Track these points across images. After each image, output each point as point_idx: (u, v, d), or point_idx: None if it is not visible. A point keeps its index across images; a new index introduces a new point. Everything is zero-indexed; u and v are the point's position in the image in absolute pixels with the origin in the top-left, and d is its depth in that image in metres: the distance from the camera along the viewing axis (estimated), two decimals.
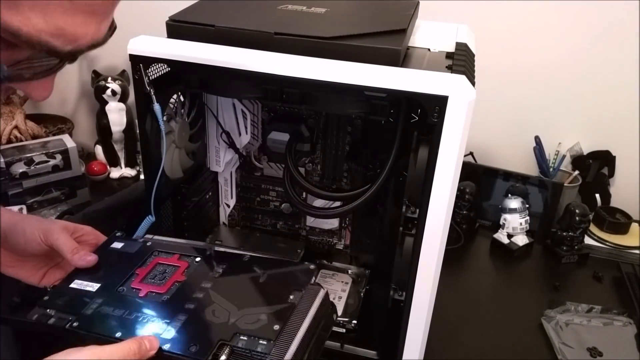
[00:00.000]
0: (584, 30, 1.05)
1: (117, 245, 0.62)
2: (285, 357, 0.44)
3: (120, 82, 1.18)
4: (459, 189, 1.02)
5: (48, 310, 0.52)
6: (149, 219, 0.70)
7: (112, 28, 0.38)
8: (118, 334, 0.48)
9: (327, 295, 0.51)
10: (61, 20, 0.31)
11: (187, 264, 0.57)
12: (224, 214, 0.91)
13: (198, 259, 0.58)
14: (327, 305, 0.51)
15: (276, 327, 0.47)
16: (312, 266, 0.55)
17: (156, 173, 0.68)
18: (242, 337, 0.46)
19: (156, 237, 0.63)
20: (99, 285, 0.55)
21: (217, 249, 0.59)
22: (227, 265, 0.56)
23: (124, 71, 1.22)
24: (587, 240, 1.05)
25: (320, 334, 0.49)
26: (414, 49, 0.64)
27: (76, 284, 0.55)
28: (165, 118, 0.64)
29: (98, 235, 0.64)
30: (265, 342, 0.46)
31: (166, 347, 0.46)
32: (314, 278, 0.53)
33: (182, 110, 0.74)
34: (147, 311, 0.51)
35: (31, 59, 0.33)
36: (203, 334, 0.48)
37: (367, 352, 0.73)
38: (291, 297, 0.51)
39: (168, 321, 0.49)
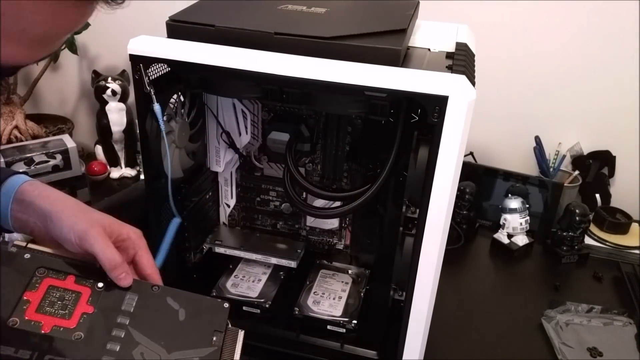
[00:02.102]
0: (584, 30, 1.05)
1: None
2: None
3: (120, 82, 1.18)
4: (459, 189, 1.02)
5: None
6: (176, 221, 0.71)
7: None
8: None
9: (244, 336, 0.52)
10: (44, 10, 0.31)
11: (89, 291, 0.49)
12: (224, 214, 0.91)
13: (100, 285, 0.50)
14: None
15: None
16: (225, 304, 0.53)
17: (156, 173, 0.68)
18: None
19: (17, 242, 0.51)
20: None
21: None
22: (139, 297, 0.50)
23: (124, 71, 1.22)
24: (587, 240, 1.05)
25: None
26: (414, 49, 0.64)
27: None
28: (165, 118, 0.64)
29: (137, 242, 0.55)
30: None
31: None
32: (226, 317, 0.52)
33: (182, 110, 0.74)
34: (62, 353, 0.44)
35: None
36: None
37: (367, 352, 0.73)
38: (214, 339, 0.50)
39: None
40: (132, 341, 0.47)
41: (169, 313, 0.50)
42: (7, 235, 0.57)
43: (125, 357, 0.45)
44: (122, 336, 0.47)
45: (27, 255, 0.49)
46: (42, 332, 0.45)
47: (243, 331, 0.52)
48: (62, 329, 0.46)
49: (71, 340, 0.45)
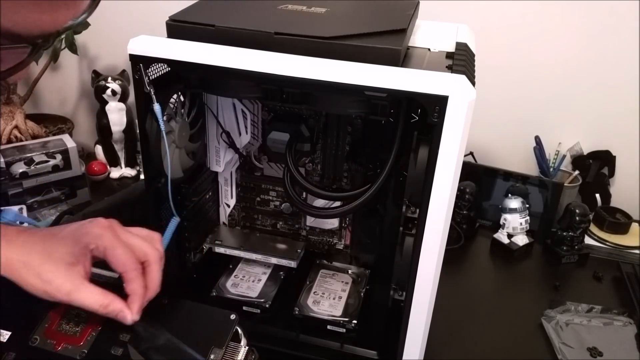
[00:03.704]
0: (584, 30, 1.05)
1: None
2: None
3: (120, 82, 1.18)
4: (459, 189, 1.02)
5: None
6: (175, 220, 0.71)
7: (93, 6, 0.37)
8: None
9: (250, 352, 0.51)
10: (23, 9, 0.31)
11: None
12: (224, 214, 0.91)
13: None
14: None
15: None
16: (232, 315, 0.52)
17: (156, 173, 0.68)
18: None
19: None
20: (9, 334, 0.46)
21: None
22: (143, 312, 0.50)
23: (124, 71, 1.22)
24: (587, 240, 1.05)
25: None
26: (414, 49, 0.64)
27: None
28: (165, 118, 0.64)
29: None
30: None
31: None
32: (236, 328, 0.50)
33: (182, 110, 0.74)
34: None
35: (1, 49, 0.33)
36: None
37: (367, 352, 0.73)
38: (212, 356, 0.48)
39: None
40: (131, 357, 0.48)
41: (171, 328, 0.49)
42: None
43: None
44: (120, 355, 0.48)
45: None
46: (54, 350, 0.47)
47: (247, 348, 0.50)
48: (70, 347, 0.48)
49: (75, 359, 0.47)
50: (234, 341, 0.51)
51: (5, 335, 0.47)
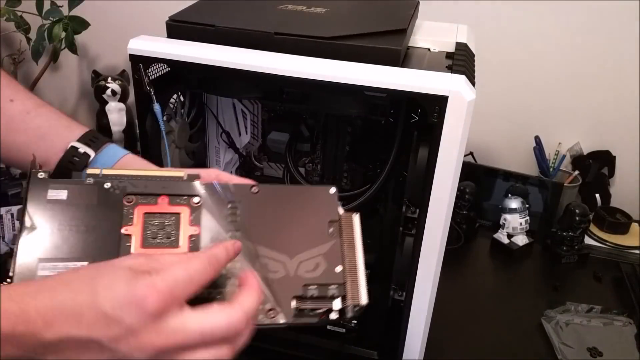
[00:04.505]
0: (584, 30, 1.05)
1: (57, 194, 0.41)
2: (361, 296, 0.45)
3: (120, 82, 1.18)
4: (459, 189, 1.01)
5: None
6: None
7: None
8: None
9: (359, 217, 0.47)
10: None
11: (188, 209, 0.43)
12: None
13: (196, 200, 0.44)
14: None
15: (338, 269, 0.45)
16: (332, 189, 0.48)
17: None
18: (311, 287, 0.43)
19: (90, 169, 0.44)
20: (85, 263, 0.39)
21: (201, 182, 0.45)
22: (241, 204, 0.45)
23: (123, 71, 1.22)
24: (587, 240, 1.05)
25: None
26: (414, 49, 0.64)
27: (48, 270, 0.38)
28: (165, 118, 0.64)
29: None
30: (335, 286, 0.44)
31: None
32: (337, 203, 0.47)
33: (182, 110, 0.74)
34: None
35: None
36: (271, 294, 0.42)
37: (367, 352, 0.73)
38: (330, 230, 0.46)
39: (221, 290, 0.41)
40: (250, 254, 0.43)
41: (277, 214, 0.46)
42: None
43: None
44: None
45: (107, 185, 0.42)
46: None
47: (358, 214, 0.47)
48: None
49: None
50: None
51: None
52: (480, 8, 1.07)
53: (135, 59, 0.60)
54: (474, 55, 0.65)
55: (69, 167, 0.50)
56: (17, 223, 0.96)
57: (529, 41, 1.08)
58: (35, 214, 0.40)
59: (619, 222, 1.07)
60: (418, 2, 0.72)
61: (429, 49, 0.64)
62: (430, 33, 0.70)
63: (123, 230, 0.41)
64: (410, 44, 0.64)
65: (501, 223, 1.04)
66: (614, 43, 1.04)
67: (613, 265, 1.00)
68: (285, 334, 0.75)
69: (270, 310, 0.42)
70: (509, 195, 1.04)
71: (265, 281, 0.42)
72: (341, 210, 0.48)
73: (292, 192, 0.48)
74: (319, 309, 0.44)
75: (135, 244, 0.41)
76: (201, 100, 0.78)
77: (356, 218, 0.47)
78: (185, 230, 0.43)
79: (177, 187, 0.44)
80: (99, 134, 0.53)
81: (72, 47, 1.14)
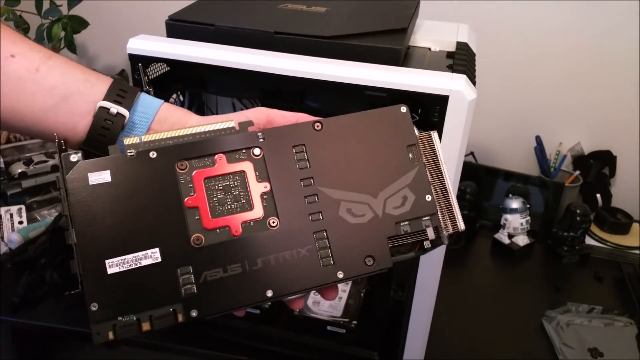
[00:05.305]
0: (585, 30, 1.05)
1: (98, 177, 0.36)
2: (459, 222, 0.40)
3: None
4: (459, 189, 1.01)
5: (119, 320, 0.34)
6: None
7: None
8: (269, 293, 0.36)
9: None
10: None
11: (251, 164, 0.39)
12: None
13: (257, 151, 0.39)
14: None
15: (428, 197, 0.40)
16: (403, 108, 0.43)
17: None
18: (403, 224, 0.40)
19: (128, 139, 0.38)
20: (156, 249, 0.35)
21: (257, 131, 0.40)
22: (307, 146, 0.40)
23: (123, 70, 1.22)
24: (588, 241, 1.05)
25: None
26: (415, 49, 0.64)
27: (117, 267, 0.35)
28: None
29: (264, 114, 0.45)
30: (428, 217, 0.40)
31: (340, 275, 0.37)
32: (412, 122, 0.43)
33: None
34: (272, 249, 0.37)
35: None
36: (364, 241, 0.39)
37: (367, 352, 0.73)
38: (410, 155, 0.41)
39: (310, 247, 0.38)
40: (332, 202, 0.39)
41: (349, 149, 0.41)
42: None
43: (336, 224, 0.38)
44: (318, 201, 0.39)
45: (153, 154, 0.37)
46: (236, 236, 0.37)
47: (435, 131, 0.42)
48: (252, 223, 0.38)
49: (271, 232, 0.38)
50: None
51: (154, 254, 0.35)
52: (481, 7, 1.07)
53: (135, 59, 0.60)
54: (474, 55, 0.65)
55: (103, 134, 0.43)
56: (16, 223, 0.96)
57: (530, 41, 1.08)
58: (82, 205, 0.35)
59: (620, 222, 1.07)
60: (418, 2, 0.71)
61: (429, 49, 0.64)
62: (431, 32, 0.69)
63: (186, 203, 0.37)
64: (410, 44, 0.64)
65: (502, 223, 1.04)
66: (614, 43, 1.04)
67: (614, 265, 1.00)
68: (286, 335, 0.75)
69: (367, 257, 0.38)
70: (510, 195, 1.04)
71: (353, 228, 0.39)
72: (416, 131, 0.42)
73: (359, 120, 0.42)
74: (412, 244, 0.41)
75: (204, 217, 0.37)
76: (201, 99, 0.78)
77: (435, 136, 0.42)
78: (255, 189, 0.38)
79: (231, 141, 0.39)
80: (124, 82, 0.46)
81: (71, 47, 1.14)
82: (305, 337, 0.75)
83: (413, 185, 0.41)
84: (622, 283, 0.95)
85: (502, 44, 1.09)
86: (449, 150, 0.52)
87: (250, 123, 0.41)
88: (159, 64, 0.63)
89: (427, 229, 0.40)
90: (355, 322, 0.74)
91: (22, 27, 1.14)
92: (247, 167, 0.39)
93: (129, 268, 0.35)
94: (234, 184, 0.38)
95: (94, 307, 0.34)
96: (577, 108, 1.11)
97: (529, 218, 1.03)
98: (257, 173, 0.39)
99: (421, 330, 0.63)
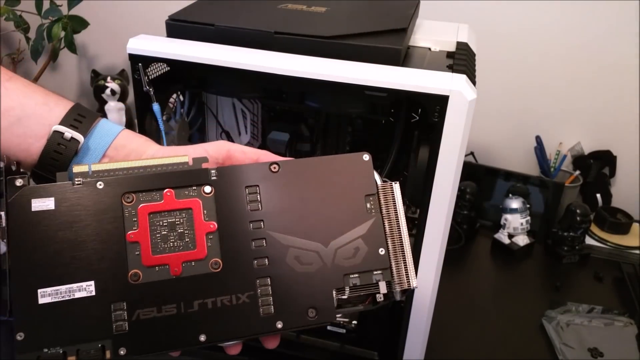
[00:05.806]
0: (585, 30, 1.05)
1: (41, 203, 0.35)
2: (411, 279, 0.39)
3: (119, 82, 1.18)
4: (459, 189, 1.01)
5: (44, 352, 0.33)
6: None
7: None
8: (202, 337, 0.36)
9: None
10: None
11: (199, 202, 0.38)
12: None
13: (208, 189, 0.38)
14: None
15: (381, 251, 0.39)
16: (365, 156, 0.41)
17: None
18: (352, 276, 0.38)
19: (77, 166, 0.37)
20: (91, 282, 0.35)
21: (210, 168, 0.39)
22: (261, 187, 0.39)
23: (123, 70, 1.22)
24: (588, 241, 1.05)
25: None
26: (415, 48, 0.64)
27: (50, 297, 0.34)
28: (164, 118, 0.64)
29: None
30: (380, 272, 0.39)
31: (279, 325, 0.36)
32: (373, 171, 0.41)
33: (182, 110, 0.73)
34: (211, 292, 0.36)
35: None
36: (309, 291, 0.37)
37: (367, 352, 0.73)
38: (368, 205, 0.40)
39: (251, 293, 0.37)
40: (280, 247, 0.38)
41: (304, 194, 0.40)
42: None
43: (281, 271, 0.37)
44: (266, 246, 0.38)
45: (100, 185, 0.36)
46: (174, 275, 0.36)
47: (397, 183, 0.41)
48: (194, 263, 0.37)
49: (212, 274, 0.36)
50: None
51: (88, 286, 0.35)
52: (481, 7, 1.07)
53: (135, 59, 0.60)
54: (474, 55, 0.65)
55: (56, 157, 0.42)
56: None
57: (530, 41, 1.08)
58: (21, 231, 0.34)
59: (620, 222, 1.07)
60: (418, 2, 0.71)
61: (429, 49, 0.64)
62: (431, 32, 0.69)
63: (128, 237, 0.36)
64: (410, 44, 0.64)
65: (502, 223, 1.04)
66: (614, 43, 1.04)
67: (614, 265, 1.00)
68: (285, 335, 0.75)
69: (310, 308, 0.37)
70: (510, 195, 1.04)
71: (299, 277, 0.38)
72: (378, 180, 0.41)
73: (318, 165, 0.41)
74: (364, 297, 0.40)
75: (144, 253, 0.36)
76: (201, 99, 0.78)
77: (396, 187, 0.41)
78: (200, 228, 0.37)
79: (182, 176, 0.38)
80: (84, 107, 0.45)
81: (72, 47, 1.14)
82: (305, 337, 0.75)
83: (367, 236, 0.39)
84: (622, 283, 0.95)
85: (502, 44, 1.09)
86: (449, 150, 0.52)
87: (205, 159, 0.40)
88: (159, 64, 0.63)
89: (380, 283, 0.39)
90: (355, 322, 0.74)
91: (22, 27, 1.14)
92: (195, 204, 0.38)
93: (62, 299, 0.34)
94: (179, 221, 0.37)
95: (19, 336, 0.33)
96: (577, 108, 1.11)
97: (529, 218, 1.03)
98: (205, 211, 0.38)
99: (421, 330, 0.63)
